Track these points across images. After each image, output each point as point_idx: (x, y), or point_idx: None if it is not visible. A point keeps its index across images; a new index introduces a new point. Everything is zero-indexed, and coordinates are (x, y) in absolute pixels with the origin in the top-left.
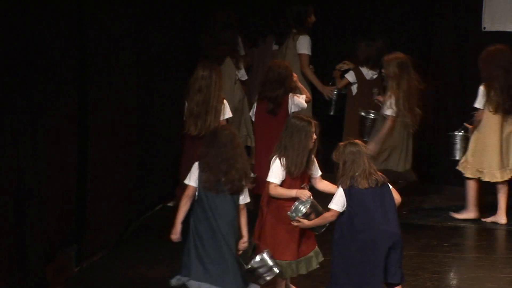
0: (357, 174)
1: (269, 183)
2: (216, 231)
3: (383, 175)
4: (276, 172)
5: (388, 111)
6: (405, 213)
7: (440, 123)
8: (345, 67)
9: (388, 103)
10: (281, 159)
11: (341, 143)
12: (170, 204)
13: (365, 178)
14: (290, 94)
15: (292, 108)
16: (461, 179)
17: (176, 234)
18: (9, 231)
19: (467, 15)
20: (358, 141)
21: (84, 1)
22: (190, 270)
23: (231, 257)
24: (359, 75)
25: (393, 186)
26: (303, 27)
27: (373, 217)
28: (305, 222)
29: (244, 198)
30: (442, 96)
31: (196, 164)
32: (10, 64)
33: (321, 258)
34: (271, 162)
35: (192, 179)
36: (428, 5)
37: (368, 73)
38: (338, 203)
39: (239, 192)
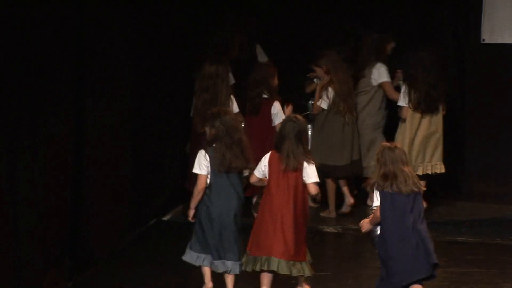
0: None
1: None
2: (222, 212)
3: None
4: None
5: (323, 104)
6: None
7: None
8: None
9: (323, 96)
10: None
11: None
12: (164, 219)
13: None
14: (276, 102)
15: (273, 116)
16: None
17: (189, 217)
18: (2, 244)
19: (466, 26)
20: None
21: (83, 9)
22: (192, 244)
23: (231, 231)
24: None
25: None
26: (383, 55)
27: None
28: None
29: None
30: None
31: (202, 152)
32: (5, 72)
33: (300, 272)
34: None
35: (202, 169)
36: (427, 17)
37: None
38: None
39: (243, 171)
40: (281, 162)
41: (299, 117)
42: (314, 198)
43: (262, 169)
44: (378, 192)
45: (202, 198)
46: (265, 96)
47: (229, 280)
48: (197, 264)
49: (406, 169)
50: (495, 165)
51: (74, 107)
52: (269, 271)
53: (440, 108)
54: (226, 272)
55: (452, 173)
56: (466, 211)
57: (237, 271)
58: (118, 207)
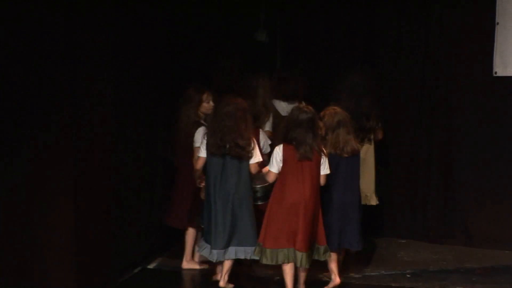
0: None
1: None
2: (221, 194)
3: None
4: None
5: None
6: (408, 276)
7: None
8: None
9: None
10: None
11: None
12: (150, 267)
13: None
14: (259, 130)
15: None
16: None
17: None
18: None
19: (478, 59)
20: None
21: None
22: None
23: (236, 217)
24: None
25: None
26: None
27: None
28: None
29: (254, 159)
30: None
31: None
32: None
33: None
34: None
35: (201, 151)
36: (437, 51)
37: (285, 108)
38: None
39: (243, 158)
40: (295, 151)
41: (309, 107)
42: None
43: (279, 164)
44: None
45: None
46: None
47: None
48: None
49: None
50: (507, 208)
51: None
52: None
53: (372, 137)
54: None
55: (458, 215)
56: (477, 257)
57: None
58: (100, 255)
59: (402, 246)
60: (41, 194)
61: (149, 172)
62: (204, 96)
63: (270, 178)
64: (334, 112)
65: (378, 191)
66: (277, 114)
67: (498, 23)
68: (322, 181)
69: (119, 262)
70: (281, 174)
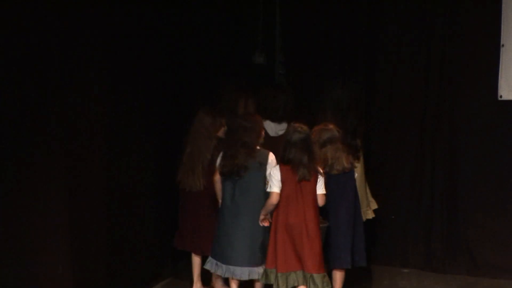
0: None
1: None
2: (235, 212)
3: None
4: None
5: None
6: None
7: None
8: None
9: None
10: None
11: None
12: None
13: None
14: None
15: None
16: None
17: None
18: None
19: (483, 82)
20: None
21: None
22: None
23: (247, 236)
24: None
25: None
26: None
27: None
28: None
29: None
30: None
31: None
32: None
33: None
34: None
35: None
36: (440, 73)
37: (274, 128)
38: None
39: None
40: (293, 172)
41: (304, 126)
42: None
43: (279, 183)
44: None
45: None
46: None
47: None
48: None
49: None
50: None
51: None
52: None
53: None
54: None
55: (462, 243)
56: (482, 287)
57: None
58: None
59: (404, 276)
60: (34, 209)
61: (151, 187)
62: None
63: (274, 199)
64: (322, 129)
65: (374, 203)
66: (266, 135)
67: (503, 45)
68: (320, 201)
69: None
70: (281, 196)
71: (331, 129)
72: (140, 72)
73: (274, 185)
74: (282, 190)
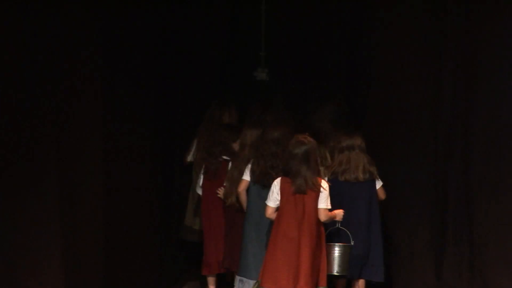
0: None
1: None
2: (258, 223)
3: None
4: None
5: None
6: None
7: None
8: None
9: None
10: None
11: None
12: None
13: None
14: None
15: None
16: None
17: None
18: None
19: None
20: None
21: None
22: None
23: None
24: None
25: None
26: None
27: None
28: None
29: None
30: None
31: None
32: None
33: None
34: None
35: (245, 174)
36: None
37: None
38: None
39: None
40: (291, 185)
41: (308, 138)
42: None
43: (276, 197)
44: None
45: None
46: (225, 158)
47: None
48: None
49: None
50: None
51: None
52: None
53: None
54: None
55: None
56: None
57: None
58: None
59: None
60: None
61: (154, 194)
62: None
63: (267, 213)
64: (343, 135)
65: None
66: None
67: None
68: (321, 216)
69: None
70: (280, 209)
71: (353, 136)
72: (141, 78)
73: (270, 199)
74: (281, 203)
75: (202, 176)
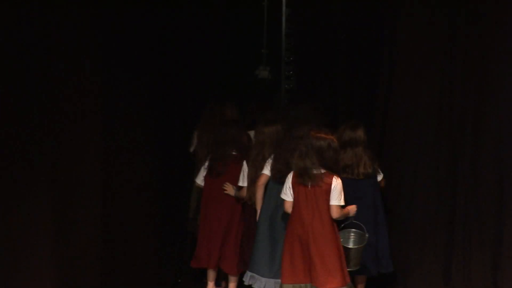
0: None
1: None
2: (273, 219)
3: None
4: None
5: None
6: None
7: None
8: None
9: None
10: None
11: None
12: None
13: None
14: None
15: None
16: None
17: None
18: None
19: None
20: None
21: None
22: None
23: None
24: None
25: None
26: None
27: None
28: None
29: None
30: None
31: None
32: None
33: None
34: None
35: (265, 169)
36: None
37: None
38: None
39: None
40: (302, 180)
41: (323, 134)
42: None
43: (289, 192)
44: None
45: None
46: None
47: None
48: None
49: None
50: None
51: None
52: None
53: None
54: None
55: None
56: None
57: None
58: None
59: None
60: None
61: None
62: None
63: (285, 208)
64: (345, 130)
65: None
66: None
67: None
68: (333, 213)
69: None
70: (294, 204)
71: (355, 131)
72: (142, 78)
73: (284, 193)
74: (294, 197)
75: (203, 171)
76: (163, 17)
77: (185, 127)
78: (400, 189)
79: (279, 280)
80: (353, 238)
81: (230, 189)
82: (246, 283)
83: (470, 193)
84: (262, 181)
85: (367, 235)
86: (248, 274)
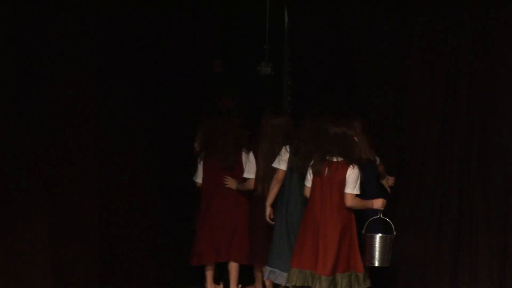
0: None
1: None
2: (290, 213)
3: None
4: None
5: None
6: None
7: None
8: None
9: None
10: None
11: None
12: None
13: None
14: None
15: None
16: None
17: (267, 217)
18: None
19: None
20: None
21: None
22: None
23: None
24: None
25: None
26: None
27: None
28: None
29: None
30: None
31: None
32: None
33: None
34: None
35: (281, 163)
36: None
37: None
38: None
39: None
40: (317, 168)
41: (343, 122)
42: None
43: (309, 178)
44: None
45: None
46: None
47: None
48: None
49: None
50: None
51: None
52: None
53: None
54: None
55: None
56: None
57: None
58: None
59: None
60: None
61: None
62: None
63: (305, 193)
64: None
65: None
66: None
67: None
68: (347, 201)
69: None
70: (311, 190)
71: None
72: (139, 75)
73: (306, 179)
74: (312, 183)
75: (200, 167)
76: (162, 14)
77: (185, 124)
78: (407, 190)
79: None
80: (377, 248)
81: (231, 183)
82: (265, 278)
83: (477, 194)
84: (280, 177)
85: (394, 234)
86: (268, 269)
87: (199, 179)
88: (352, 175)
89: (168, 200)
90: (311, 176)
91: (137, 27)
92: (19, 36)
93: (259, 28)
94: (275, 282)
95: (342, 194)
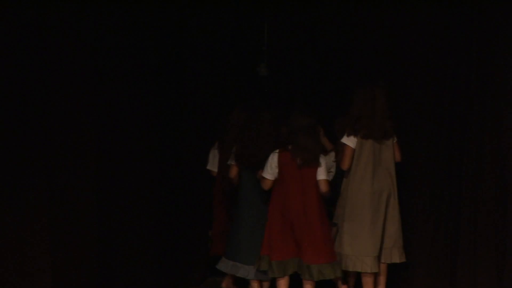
0: None
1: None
2: (250, 207)
3: None
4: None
5: None
6: None
7: None
8: None
9: None
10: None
11: None
12: None
13: None
14: None
15: None
16: None
17: None
18: None
19: None
20: None
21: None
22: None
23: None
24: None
25: None
26: None
27: None
28: None
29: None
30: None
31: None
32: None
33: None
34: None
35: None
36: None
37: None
38: None
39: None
40: (293, 158)
41: (309, 112)
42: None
43: (274, 171)
44: None
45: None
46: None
47: None
48: None
49: None
50: None
51: None
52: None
53: None
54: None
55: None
56: None
57: None
58: None
59: None
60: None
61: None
62: None
63: (266, 186)
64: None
65: None
66: None
67: None
68: (323, 187)
69: None
70: (279, 182)
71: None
72: (140, 78)
73: (267, 172)
74: (280, 175)
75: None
76: (160, 16)
77: (183, 126)
78: (404, 187)
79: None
80: None
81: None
82: (227, 271)
83: (476, 193)
84: (235, 173)
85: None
86: (229, 263)
87: (215, 167)
88: (324, 162)
89: (168, 200)
90: (277, 168)
91: (137, 27)
92: (19, 36)
93: (257, 30)
94: (238, 276)
95: (315, 182)
